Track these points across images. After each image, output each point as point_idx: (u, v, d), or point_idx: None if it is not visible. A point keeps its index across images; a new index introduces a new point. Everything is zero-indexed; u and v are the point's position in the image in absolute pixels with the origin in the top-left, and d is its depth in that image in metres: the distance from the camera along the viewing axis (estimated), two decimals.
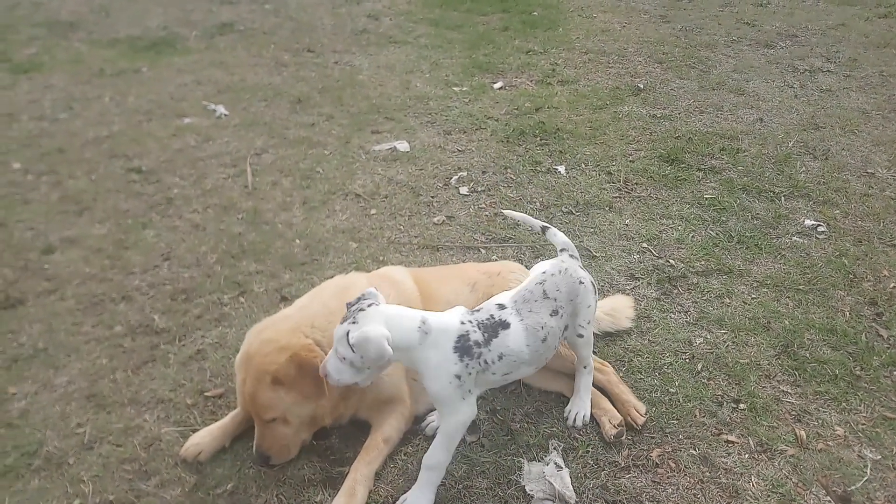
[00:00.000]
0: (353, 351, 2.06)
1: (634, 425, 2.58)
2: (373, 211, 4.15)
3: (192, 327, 3.16)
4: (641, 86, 5.91)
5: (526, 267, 2.98)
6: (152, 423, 2.66)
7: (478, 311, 2.30)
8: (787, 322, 3.14)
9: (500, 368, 2.25)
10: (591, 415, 2.62)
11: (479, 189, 4.36)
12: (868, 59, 6.36)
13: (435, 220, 4.03)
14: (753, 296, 3.33)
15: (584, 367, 2.59)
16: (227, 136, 5.16)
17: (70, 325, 3.21)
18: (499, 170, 4.59)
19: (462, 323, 2.22)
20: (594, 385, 2.68)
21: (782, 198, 4.15)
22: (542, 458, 2.46)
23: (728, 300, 3.30)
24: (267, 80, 6.34)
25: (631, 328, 3.08)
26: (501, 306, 2.31)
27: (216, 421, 2.60)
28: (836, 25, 7.32)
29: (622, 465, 2.46)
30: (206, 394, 2.78)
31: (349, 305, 2.17)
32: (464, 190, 4.35)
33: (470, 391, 2.22)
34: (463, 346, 2.17)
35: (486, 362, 2.21)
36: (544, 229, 2.60)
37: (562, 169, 4.54)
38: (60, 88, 6.24)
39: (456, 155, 4.83)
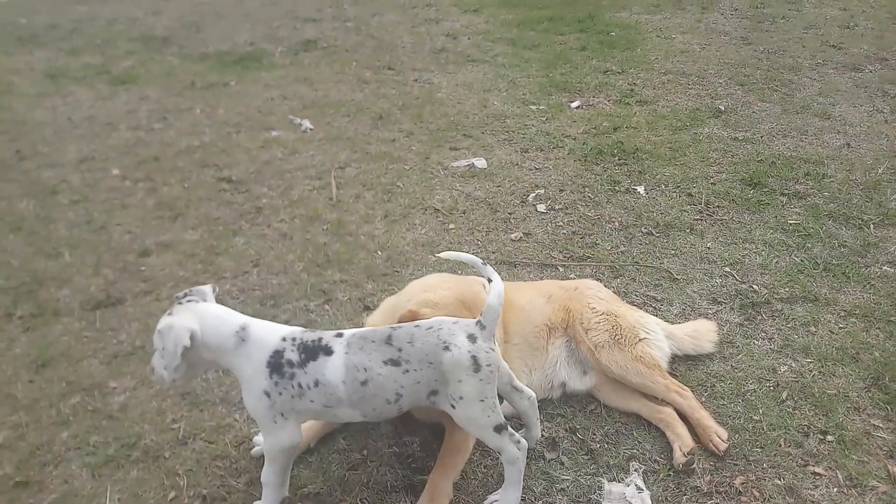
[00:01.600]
0: (159, 339, 2.13)
1: (717, 451, 2.55)
2: (451, 226, 4.22)
3: None
4: (722, 108, 5.84)
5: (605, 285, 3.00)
6: (242, 422, 2.77)
7: (313, 332, 2.23)
8: (877, 354, 3.05)
9: (318, 398, 2.15)
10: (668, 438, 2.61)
11: (557, 207, 4.39)
12: None
13: (512, 236, 4.08)
14: (841, 325, 3.25)
15: (500, 455, 2.29)
16: (312, 149, 5.33)
17: None
18: (576, 188, 4.60)
19: (283, 339, 2.18)
20: (676, 409, 2.67)
21: (871, 226, 4.04)
22: (623, 479, 2.46)
23: (814, 329, 3.23)
24: (349, 96, 6.51)
25: (713, 353, 3.05)
26: (339, 334, 2.21)
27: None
28: None
29: (704, 490, 2.43)
30: None
31: (176, 298, 2.23)
32: (541, 207, 4.38)
33: (283, 415, 2.16)
34: (275, 363, 2.14)
35: (299, 385, 2.14)
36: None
37: (641, 189, 4.53)
38: (155, 100, 6.56)
39: (533, 172, 4.87)
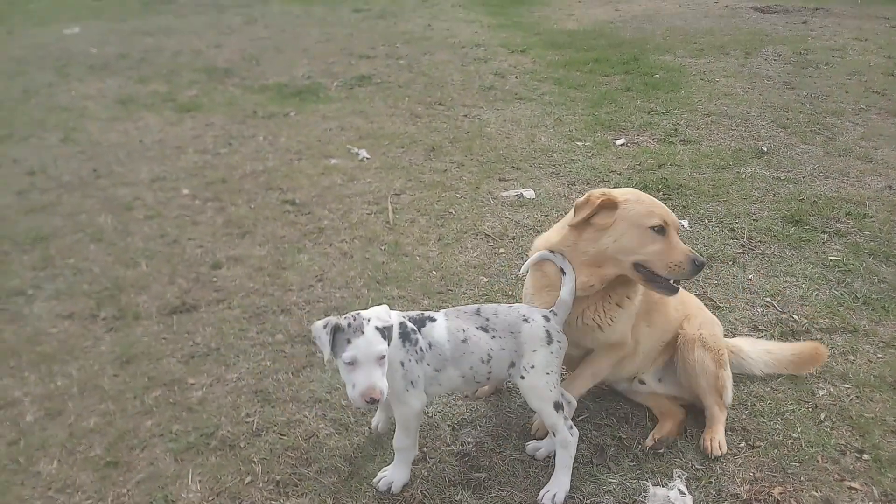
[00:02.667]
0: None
1: (709, 452, 2.78)
2: (501, 250, 4.44)
3: None
4: (765, 149, 6.01)
5: None
6: (311, 418, 3.00)
7: (411, 312, 2.62)
8: None
9: (432, 360, 2.50)
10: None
11: None
12: None
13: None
14: (879, 356, 3.38)
15: (555, 435, 2.59)
16: (369, 177, 5.62)
17: (237, 331, 3.63)
18: None
19: (400, 317, 2.53)
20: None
21: None
22: (667, 485, 2.62)
23: (852, 357, 3.37)
24: (403, 129, 6.83)
25: (755, 375, 3.20)
26: (436, 312, 2.63)
27: (366, 423, 2.92)
28: None
29: (744, 497, 2.59)
30: None
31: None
32: None
33: (412, 382, 2.47)
34: (404, 333, 2.48)
35: (420, 349, 2.48)
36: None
37: (685, 223, 4.71)
38: (220, 126, 6.95)
39: None
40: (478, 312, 2.61)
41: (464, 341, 2.53)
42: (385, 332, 2.34)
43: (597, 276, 2.67)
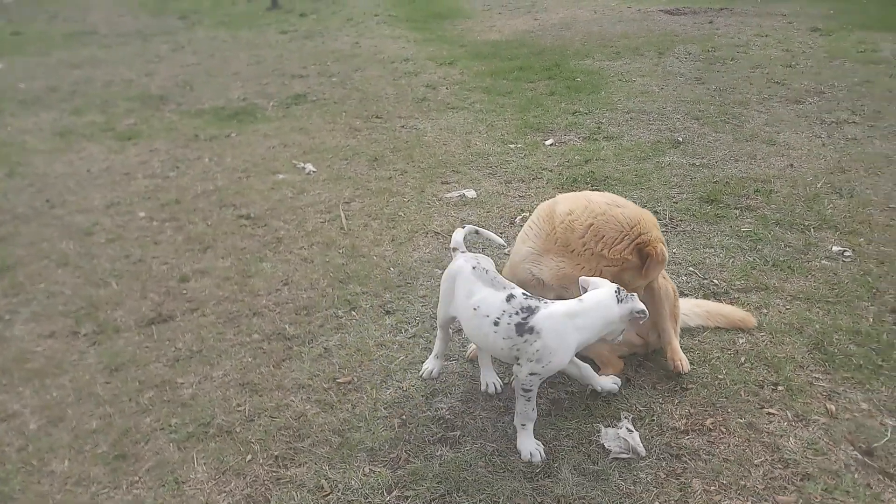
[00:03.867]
0: None
1: (679, 369, 3.26)
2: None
3: (316, 334, 3.83)
4: (680, 139, 6.58)
5: None
6: (298, 402, 3.31)
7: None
8: (817, 326, 3.69)
9: None
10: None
11: None
12: (892, 110, 6.98)
13: (506, 251, 4.68)
14: (788, 307, 3.89)
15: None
16: (318, 188, 5.94)
17: (216, 334, 3.90)
18: None
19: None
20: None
21: (812, 230, 4.73)
22: (616, 425, 3.03)
23: (765, 310, 3.87)
24: (344, 142, 7.16)
25: (682, 332, 3.66)
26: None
27: (349, 401, 3.25)
28: (861, 82, 7.97)
29: (682, 429, 3.02)
30: (338, 381, 3.42)
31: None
32: None
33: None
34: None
35: None
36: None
37: None
38: (164, 151, 7.14)
39: (517, 199, 5.51)
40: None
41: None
42: None
43: None
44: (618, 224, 3.11)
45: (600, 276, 2.97)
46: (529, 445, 2.90)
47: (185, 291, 4.40)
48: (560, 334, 2.71)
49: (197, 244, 5.03)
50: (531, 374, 2.76)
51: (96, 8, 17.77)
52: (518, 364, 2.79)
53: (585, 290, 2.83)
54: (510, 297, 2.80)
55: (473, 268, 2.96)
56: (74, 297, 4.40)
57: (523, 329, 2.72)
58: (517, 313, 2.75)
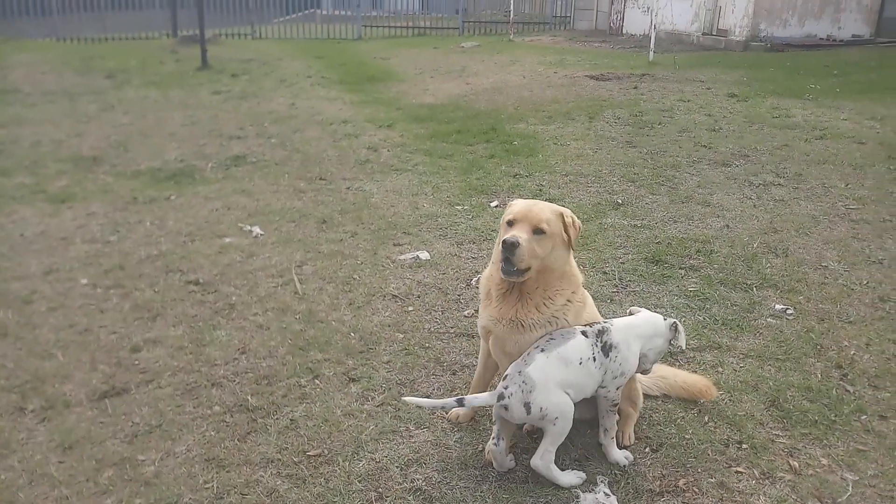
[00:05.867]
0: None
1: (623, 440, 3.40)
2: (410, 308, 4.82)
3: (280, 404, 3.74)
4: (620, 201, 6.83)
5: None
6: (268, 477, 3.20)
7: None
8: (771, 383, 3.84)
9: None
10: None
11: None
12: (811, 173, 7.46)
13: (465, 313, 4.73)
14: (741, 365, 4.05)
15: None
16: (268, 251, 5.86)
17: (174, 407, 3.76)
18: None
19: None
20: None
21: (754, 288, 4.95)
22: (593, 489, 3.05)
23: (721, 369, 4.01)
24: (290, 204, 7.12)
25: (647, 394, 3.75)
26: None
27: (321, 475, 3.17)
28: (780, 146, 8.49)
29: (657, 491, 3.07)
30: (308, 453, 3.34)
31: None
32: None
33: None
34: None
35: None
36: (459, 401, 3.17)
37: None
38: (102, 215, 6.94)
39: (471, 261, 5.59)
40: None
41: None
42: None
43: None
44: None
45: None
46: (619, 454, 3.28)
47: (137, 362, 4.24)
48: (628, 343, 3.21)
49: (145, 312, 4.87)
50: (618, 387, 3.21)
51: (17, 66, 17.26)
52: (603, 386, 3.19)
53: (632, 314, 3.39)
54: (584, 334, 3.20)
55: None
56: (17, 370, 4.18)
57: (608, 350, 3.16)
58: (596, 343, 3.17)
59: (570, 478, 3.11)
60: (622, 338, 3.19)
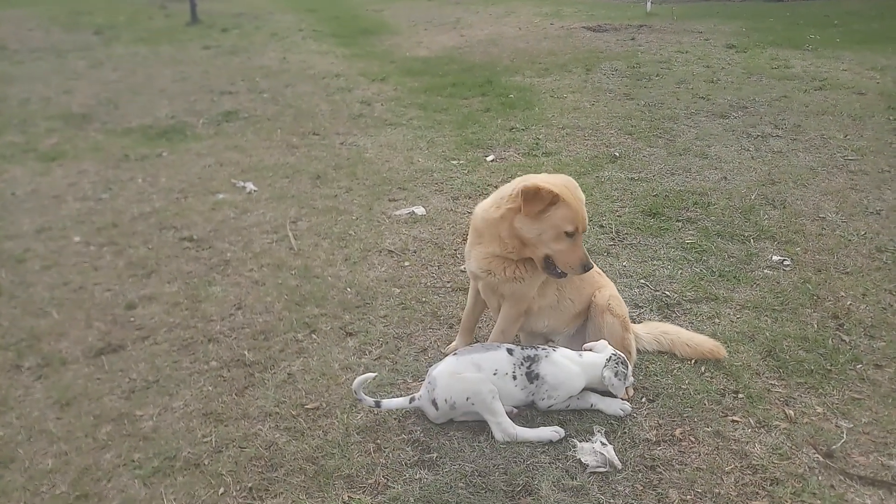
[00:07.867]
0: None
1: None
2: (406, 263, 4.80)
3: (277, 359, 3.74)
4: (617, 154, 6.77)
5: None
6: (267, 430, 3.21)
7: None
8: (767, 334, 3.85)
9: None
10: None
11: None
12: (810, 125, 7.38)
13: (461, 268, 4.70)
14: (738, 316, 4.05)
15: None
16: (262, 208, 5.81)
17: (171, 363, 3.76)
18: None
19: None
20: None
21: (751, 240, 4.94)
22: (590, 439, 3.07)
23: (717, 320, 4.01)
24: (283, 160, 7.05)
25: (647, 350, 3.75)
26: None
27: (319, 427, 3.18)
28: (779, 97, 8.40)
29: (653, 440, 3.09)
30: (306, 407, 3.35)
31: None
32: None
33: None
34: None
35: None
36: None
37: None
38: (94, 173, 6.86)
39: (466, 216, 5.53)
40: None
41: None
42: None
43: (517, 249, 3.21)
44: (509, 187, 3.28)
45: (500, 243, 3.24)
46: (616, 405, 3.28)
47: (132, 319, 4.22)
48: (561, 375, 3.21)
49: (140, 269, 4.84)
50: (556, 400, 3.24)
51: (3, 22, 16.94)
52: (542, 399, 3.22)
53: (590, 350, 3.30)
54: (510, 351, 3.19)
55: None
56: (13, 328, 4.16)
57: (532, 378, 3.16)
58: (521, 364, 3.17)
59: (543, 433, 3.11)
60: (553, 371, 3.17)
